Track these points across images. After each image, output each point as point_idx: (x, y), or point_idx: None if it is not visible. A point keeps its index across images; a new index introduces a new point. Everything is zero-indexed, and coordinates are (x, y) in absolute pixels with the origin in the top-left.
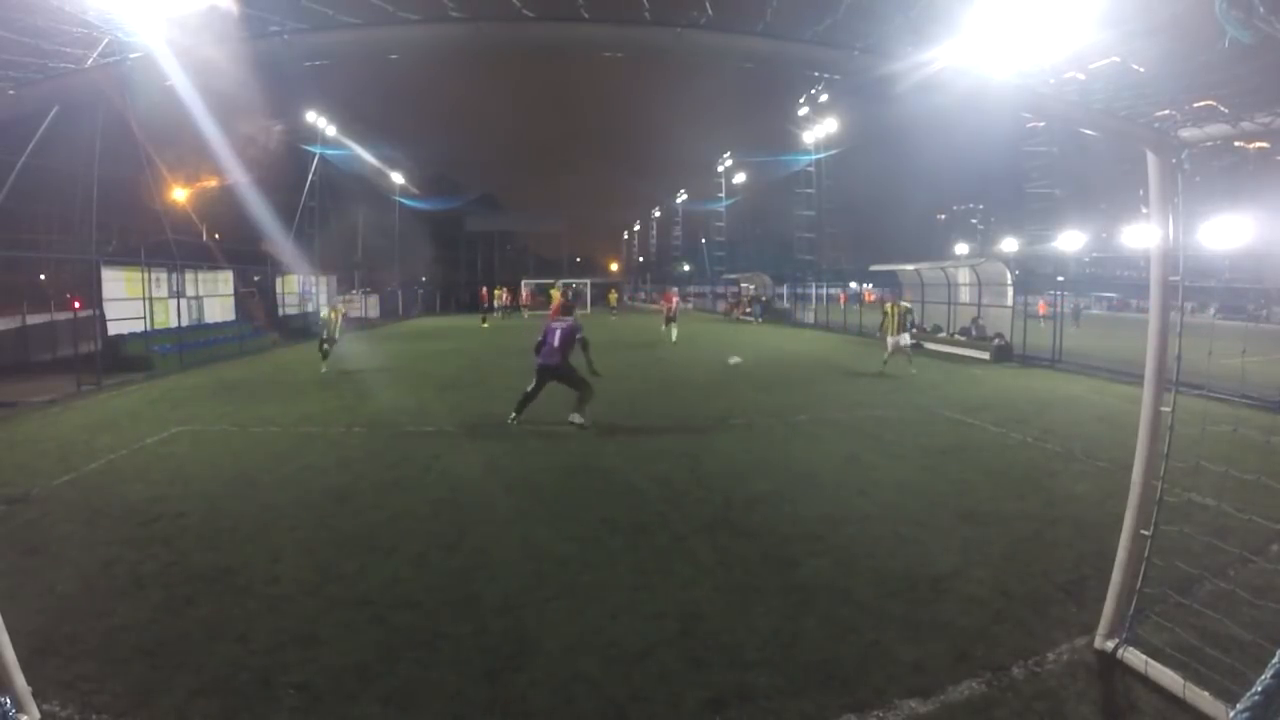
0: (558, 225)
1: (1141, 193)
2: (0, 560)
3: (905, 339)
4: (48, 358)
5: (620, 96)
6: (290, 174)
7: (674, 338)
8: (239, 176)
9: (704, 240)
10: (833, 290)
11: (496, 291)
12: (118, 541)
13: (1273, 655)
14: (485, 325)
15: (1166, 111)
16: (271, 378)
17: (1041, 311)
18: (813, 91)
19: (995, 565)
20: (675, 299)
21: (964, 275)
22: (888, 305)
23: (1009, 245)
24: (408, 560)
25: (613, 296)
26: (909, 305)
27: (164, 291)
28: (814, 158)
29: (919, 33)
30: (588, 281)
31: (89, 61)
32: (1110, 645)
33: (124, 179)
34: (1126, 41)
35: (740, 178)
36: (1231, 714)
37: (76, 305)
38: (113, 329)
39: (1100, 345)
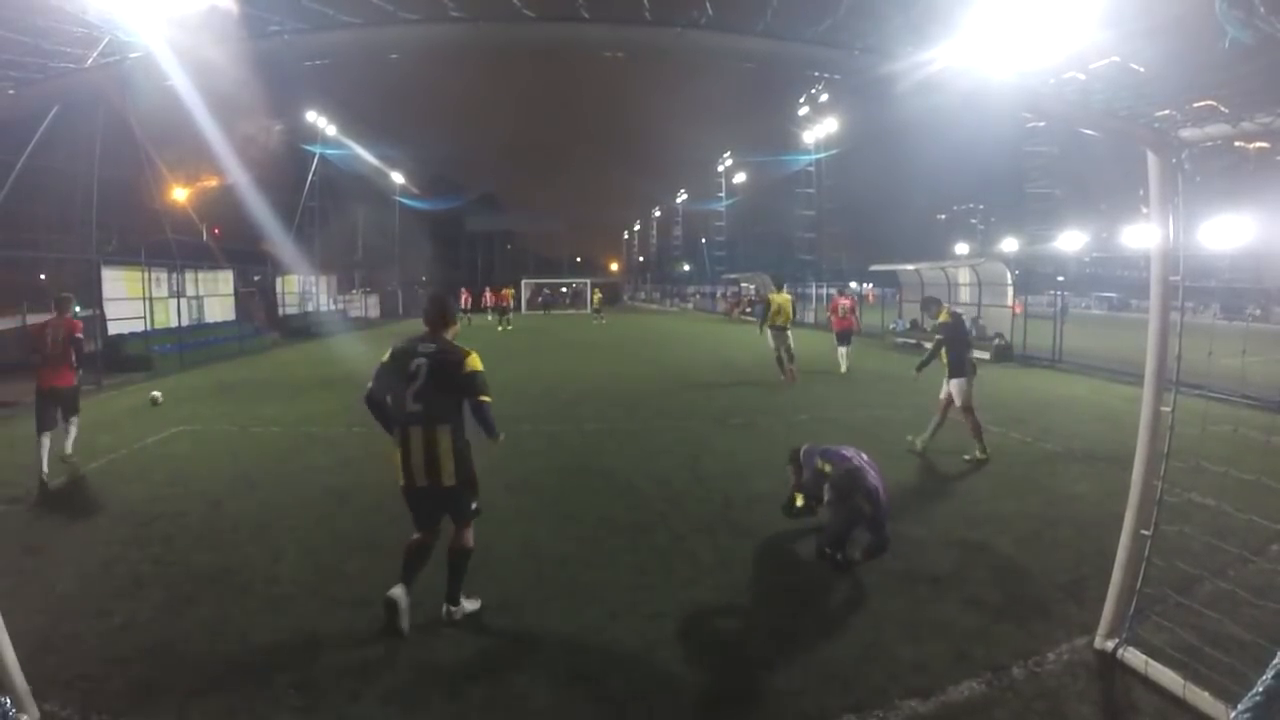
0: (558, 225)
1: (1141, 193)
2: (0, 560)
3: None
4: None
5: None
6: (290, 174)
7: (844, 366)
8: (239, 176)
9: (704, 240)
10: (833, 290)
11: (507, 291)
12: (118, 541)
13: (1273, 655)
14: (501, 330)
15: (1167, 112)
16: (272, 378)
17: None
18: (813, 91)
19: (995, 565)
20: (844, 303)
21: (964, 275)
22: None
23: (1009, 245)
24: None
25: (596, 297)
26: None
27: (164, 291)
28: (814, 158)
29: (919, 33)
30: (588, 281)
31: (89, 61)
32: (1110, 645)
33: (124, 179)
34: (1126, 41)
35: (740, 177)
36: (1232, 714)
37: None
38: (113, 329)
39: (1100, 345)
